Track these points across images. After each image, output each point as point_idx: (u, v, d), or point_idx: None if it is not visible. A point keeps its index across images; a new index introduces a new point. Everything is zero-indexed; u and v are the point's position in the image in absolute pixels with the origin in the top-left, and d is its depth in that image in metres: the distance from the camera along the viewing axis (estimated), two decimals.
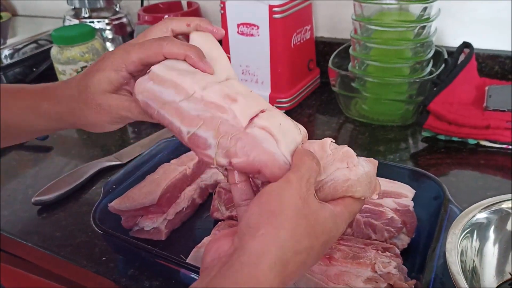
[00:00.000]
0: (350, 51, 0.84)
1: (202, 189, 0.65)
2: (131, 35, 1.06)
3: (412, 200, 0.56)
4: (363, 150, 0.77)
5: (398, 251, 0.51)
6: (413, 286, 0.46)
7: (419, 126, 0.77)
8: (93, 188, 0.73)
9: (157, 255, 0.49)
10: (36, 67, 1.08)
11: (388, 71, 0.81)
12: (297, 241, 0.33)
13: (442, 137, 0.76)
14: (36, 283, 0.71)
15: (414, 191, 0.56)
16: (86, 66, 0.92)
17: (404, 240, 0.54)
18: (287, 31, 0.86)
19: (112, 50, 0.45)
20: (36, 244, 0.62)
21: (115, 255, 0.58)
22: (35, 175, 0.78)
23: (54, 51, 0.92)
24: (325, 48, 1.01)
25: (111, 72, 0.43)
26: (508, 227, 0.48)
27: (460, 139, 0.75)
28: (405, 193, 0.56)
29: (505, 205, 0.48)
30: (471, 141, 0.74)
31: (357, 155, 0.40)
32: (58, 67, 0.93)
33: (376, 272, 0.47)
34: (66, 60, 0.91)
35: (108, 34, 1.06)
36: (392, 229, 0.53)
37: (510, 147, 0.72)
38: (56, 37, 0.90)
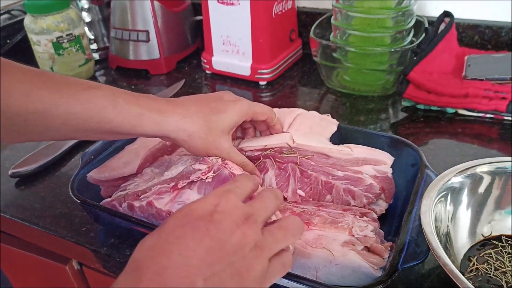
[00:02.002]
0: (332, 20, 0.84)
1: None
2: (108, 5, 1.03)
3: (391, 167, 0.56)
4: (344, 120, 0.77)
5: (375, 216, 0.52)
6: (389, 248, 0.47)
7: (399, 96, 0.78)
8: (72, 160, 0.72)
9: (137, 222, 0.49)
10: (10, 39, 1.04)
11: (369, 40, 0.81)
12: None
13: (421, 107, 0.77)
14: (16, 255, 0.71)
15: (393, 158, 0.57)
16: (61, 37, 0.89)
17: (382, 206, 0.55)
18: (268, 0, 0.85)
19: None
20: (14, 215, 0.61)
21: (95, 225, 0.58)
22: (12, 147, 0.77)
23: (28, 20, 0.89)
24: (307, 19, 0.99)
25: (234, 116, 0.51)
26: (481, 190, 0.50)
27: (439, 108, 0.76)
28: (384, 160, 0.56)
29: (479, 170, 0.49)
30: (450, 110, 0.75)
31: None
32: (33, 38, 0.90)
33: (353, 235, 0.47)
34: (41, 30, 0.88)
35: (84, 4, 1.03)
36: (371, 195, 0.54)
37: (487, 115, 0.73)
38: (29, 6, 0.87)
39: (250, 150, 0.56)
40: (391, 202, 0.56)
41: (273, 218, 0.44)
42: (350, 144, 0.57)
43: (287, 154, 0.55)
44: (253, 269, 0.34)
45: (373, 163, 0.56)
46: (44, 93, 0.43)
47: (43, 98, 0.43)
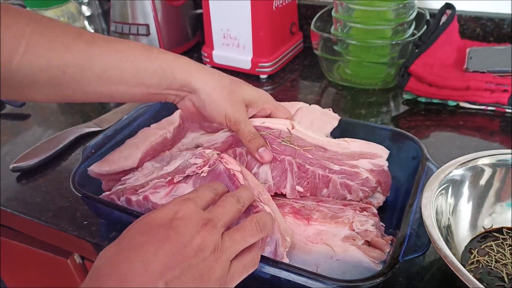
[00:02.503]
0: (333, 13, 0.83)
1: None
2: None
3: (387, 160, 0.56)
4: (345, 113, 0.77)
5: (375, 211, 0.52)
6: (390, 242, 0.47)
7: (400, 89, 0.77)
8: (73, 154, 0.72)
9: (138, 216, 0.49)
10: None
11: (370, 33, 0.81)
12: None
13: (422, 100, 0.77)
14: (18, 249, 0.71)
15: (388, 152, 0.56)
16: None
17: (379, 199, 0.55)
18: None
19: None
20: (16, 210, 0.62)
21: (97, 219, 0.58)
22: (13, 142, 0.77)
23: None
24: (307, 11, 0.99)
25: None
26: (482, 183, 0.49)
27: (440, 101, 0.76)
28: (380, 153, 0.56)
29: (480, 162, 0.49)
30: (451, 103, 0.75)
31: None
32: None
33: (354, 230, 0.47)
34: None
35: None
36: (367, 189, 0.54)
37: (488, 108, 0.73)
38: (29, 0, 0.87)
39: None
40: (388, 194, 0.56)
41: (265, 208, 0.45)
42: (346, 138, 0.57)
43: (285, 140, 0.54)
44: (213, 271, 0.35)
45: (369, 157, 0.55)
46: (82, 45, 0.45)
47: (81, 49, 0.45)
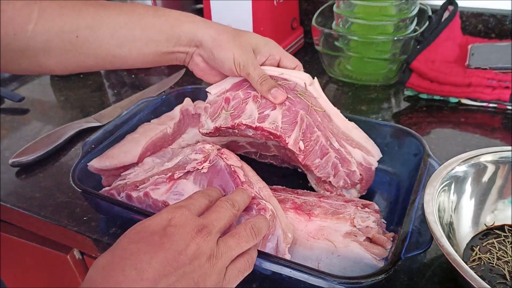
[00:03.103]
0: (334, 8, 0.83)
1: None
2: None
3: (377, 162, 0.56)
4: (346, 109, 0.77)
5: (377, 207, 0.51)
6: (392, 239, 0.47)
7: (402, 85, 0.77)
8: (72, 149, 0.72)
9: (138, 211, 0.49)
10: None
11: (372, 29, 0.80)
12: None
13: (424, 96, 0.76)
14: (17, 245, 0.71)
15: (381, 155, 0.57)
16: None
17: (353, 195, 0.56)
18: None
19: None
20: (15, 205, 0.61)
21: (97, 214, 0.58)
22: (12, 137, 0.76)
23: None
24: (308, 7, 0.98)
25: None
26: (484, 179, 0.49)
27: (441, 98, 0.75)
28: (373, 153, 0.56)
29: (483, 159, 0.49)
30: (452, 100, 0.75)
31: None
32: None
33: (355, 226, 0.47)
34: None
35: None
36: (349, 181, 0.53)
37: (490, 105, 0.73)
38: None
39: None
40: (364, 193, 0.56)
41: (267, 206, 0.44)
42: (352, 123, 0.57)
43: (300, 93, 0.52)
44: (209, 278, 0.35)
45: (364, 151, 0.55)
46: (92, 8, 0.48)
47: (91, 13, 0.47)
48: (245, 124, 0.51)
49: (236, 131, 0.52)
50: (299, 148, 0.51)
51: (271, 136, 0.50)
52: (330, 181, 0.53)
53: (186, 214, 0.37)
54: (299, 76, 0.54)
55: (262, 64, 0.55)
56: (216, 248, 0.36)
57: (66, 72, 0.50)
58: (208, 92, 0.57)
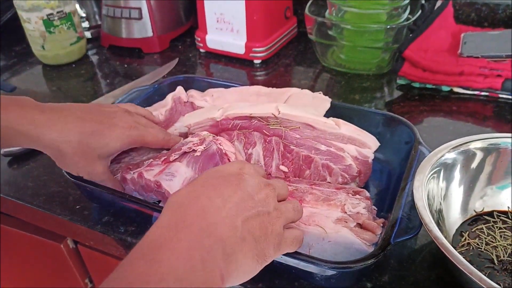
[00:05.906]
0: None
1: None
2: None
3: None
4: (339, 98, 0.77)
5: (368, 194, 0.52)
6: (382, 225, 0.47)
7: (394, 74, 0.77)
8: None
9: (130, 200, 0.49)
10: None
11: (365, 17, 0.80)
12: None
13: (416, 85, 0.77)
14: (10, 234, 0.71)
15: (379, 144, 0.56)
16: (51, 14, 0.87)
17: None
18: None
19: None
20: (8, 194, 0.61)
21: (89, 203, 0.58)
22: None
23: None
24: None
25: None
26: (473, 166, 0.50)
27: (434, 87, 0.76)
28: (369, 144, 0.55)
29: (472, 146, 0.49)
30: (445, 88, 0.75)
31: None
32: (23, 15, 0.88)
33: (346, 212, 0.48)
34: (31, 7, 0.86)
35: None
36: (347, 176, 0.54)
37: (482, 93, 0.73)
38: None
39: (235, 118, 0.56)
40: (362, 186, 0.56)
41: None
42: (340, 120, 0.56)
43: (273, 125, 0.54)
44: (274, 226, 0.37)
45: (357, 144, 0.55)
46: None
47: None
48: None
49: None
50: (283, 172, 0.55)
51: None
52: (329, 182, 0.54)
53: (254, 168, 0.40)
54: (266, 110, 0.56)
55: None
56: (279, 205, 0.39)
57: None
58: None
